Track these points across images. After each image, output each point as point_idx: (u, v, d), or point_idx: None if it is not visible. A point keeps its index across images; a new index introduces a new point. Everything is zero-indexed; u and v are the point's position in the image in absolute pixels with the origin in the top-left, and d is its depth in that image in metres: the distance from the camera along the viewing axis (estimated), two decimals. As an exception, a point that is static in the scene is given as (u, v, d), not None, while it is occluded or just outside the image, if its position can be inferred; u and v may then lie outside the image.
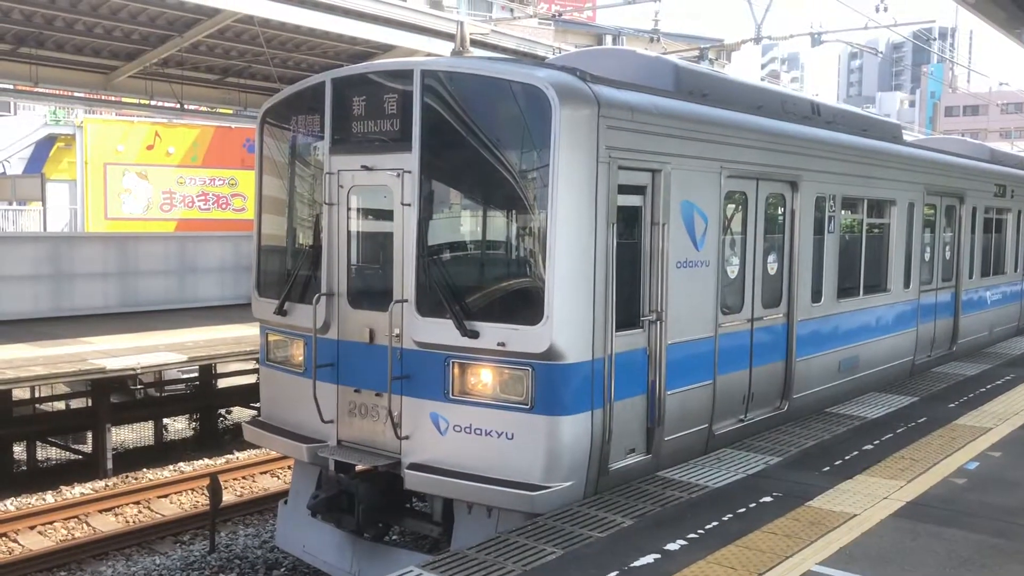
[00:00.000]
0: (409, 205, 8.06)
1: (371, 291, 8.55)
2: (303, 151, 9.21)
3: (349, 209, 8.71)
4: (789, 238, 10.70)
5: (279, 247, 9.64)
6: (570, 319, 7.60)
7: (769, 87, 13.23)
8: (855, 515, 7.42)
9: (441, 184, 8.19)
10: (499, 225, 8.12)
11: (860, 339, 12.53)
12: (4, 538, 11.72)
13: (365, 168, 8.43)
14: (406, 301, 8.12)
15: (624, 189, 8.18)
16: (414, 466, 8.10)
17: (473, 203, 8.15)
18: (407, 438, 8.25)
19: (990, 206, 17.37)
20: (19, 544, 11.57)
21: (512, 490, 7.52)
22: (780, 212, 10.70)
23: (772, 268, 10.55)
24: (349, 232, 8.74)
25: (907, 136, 18.44)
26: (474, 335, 7.75)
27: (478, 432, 7.89)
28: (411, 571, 6.35)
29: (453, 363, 7.96)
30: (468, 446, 7.94)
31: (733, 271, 9.85)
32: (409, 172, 8.05)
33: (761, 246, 10.22)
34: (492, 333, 7.73)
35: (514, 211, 7.99)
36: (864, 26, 29.46)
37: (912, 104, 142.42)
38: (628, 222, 8.47)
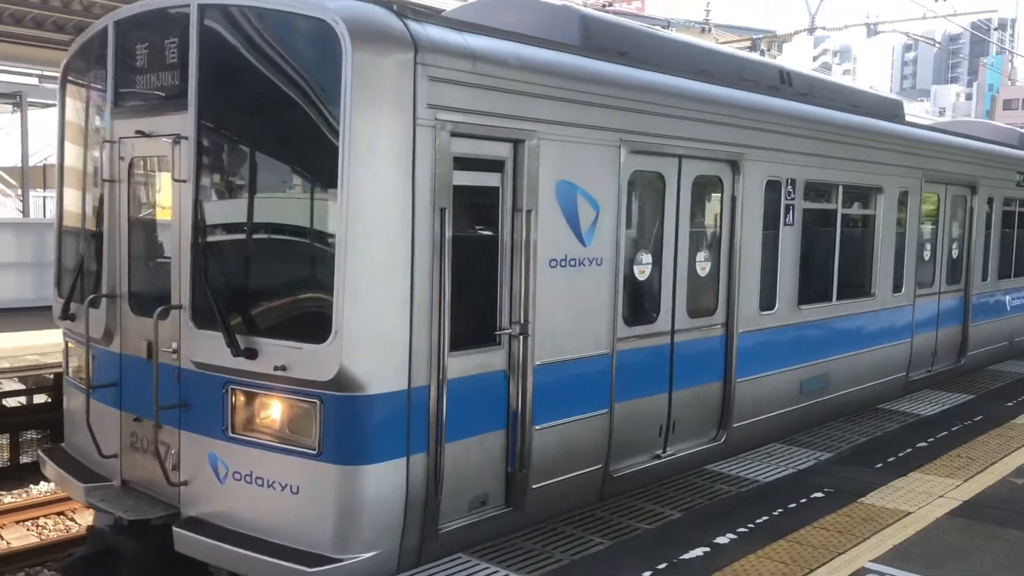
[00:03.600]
0: (184, 181, 6.20)
1: (154, 293, 6.69)
2: (97, 114, 7.37)
3: (130, 187, 6.86)
4: (728, 231, 8.65)
5: (78, 233, 7.81)
6: (370, 335, 5.67)
7: (720, 49, 11.06)
8: (909, 513, 7.28)
9: (220, 154, 6.29)
10: (285, 209, 6.20)
11: (831, 353, 10.41)
12: None
13: (140, 134, 6.57)
14: (180, 307, 6.27)
15: (466, 163, 6.23)
16: (189, 522, 6.25)
17: (255, 180, 6.25)
18: (185, 484, 6.39)
19: (1012, 197, 15.03)
20: None
21: (287, 563, 5.63)
22: (715, 199, 8.64)
23: (703, 269, 8.51)
24: (130, 217, 6.90)
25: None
26: (251, 354, 5.87)
27: (260, 482, 6.01)
28: None
29: (232, 390, 6.09)
30: (249, 500, 6.06)
31: (642, 272, 7.83)
32: (185, 138, 6.18)
33: (685, 241, 8.19)
34: (272, 352, 5.84)
35: (300, 191, 6.10)
36: (922, 16, 27.53)
37: (968, 97, 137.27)
38: (476, 208, 6.52)
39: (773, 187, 9.17)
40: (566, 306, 6.95)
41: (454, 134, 6.01)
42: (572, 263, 6.97)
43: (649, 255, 7.89)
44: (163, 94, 6.47)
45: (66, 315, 7.36)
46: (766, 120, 8.96)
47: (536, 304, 6.65)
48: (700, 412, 8.57)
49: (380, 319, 5.69)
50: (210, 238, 6.12)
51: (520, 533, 6.65)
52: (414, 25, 5.84)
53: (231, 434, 6.11)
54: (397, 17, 5.78)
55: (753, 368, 9.06)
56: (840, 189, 10.39)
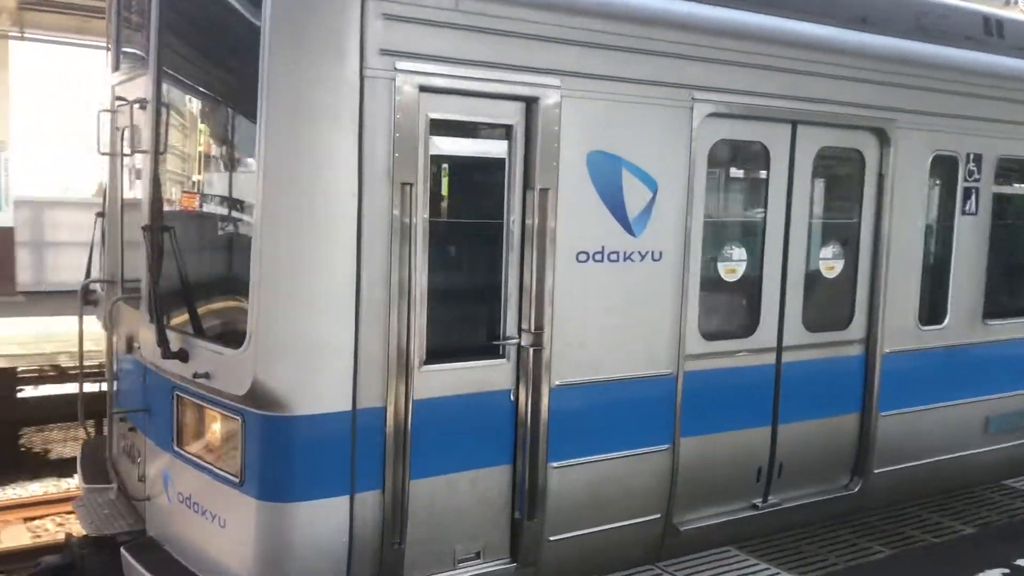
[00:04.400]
0: (146, 152, 5.36)
1: (138, 282, 5.95)
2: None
3: (122, 160, 6.16)
4: (872, 221, 6.64)
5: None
6: (294, 343, 4.53)
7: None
8: None
9: (173, 123, 5.34)
10: (219, 187, 5.16)
11: None
12: None
13: (120, 100, 5.84)
14: (137, 296, 5.47)
15: (453, 128, 4.92)
16: (142, 544, 5.43)
17: (198, 152, 5.25)
18: (148, 499, 5.60)
19: None
20: None
21: None
22: (850, 178, 6.66)
23: (830, 268, 6.59)
24: (122, 196, 6.20)
25: None
26: (182, 356, 4.93)
27: (195, 508, 5.06)
28: None
29: (177, 397, 5.19)
30: (188, 527, 5.15)
31: (732, 271, 6.10)
32: (148, 103, 5.34)
33: (802, 232, 6.33)
34: (198, 356, 4.87)
35: (228, 164, 5.02)
36: None
37: None
38: (471, 185, 5.20)
39: (944, 164, 7.00)
40: (603, 312, 5.43)
41: (428, 89, 4.71)
42: (613, 257, 5.43)
43: (743, 249, 6.14)
44: (142, 54, 5.69)
45: (87, 301, 6.85)
46: (934, 76, 6.80)
47: (555, 308, 5.21)
48: (822, 453, 6.67)
49: (310, 323, 4.53)
50: (165, 220, 5.22)
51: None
52: None
53: (176, 448, 5.22)
54: None
55: (907, 398, 6.98)
56: None
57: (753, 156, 6.18)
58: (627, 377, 5.57)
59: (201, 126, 5.21)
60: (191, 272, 4.99)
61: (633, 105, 5.39)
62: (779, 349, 6.32)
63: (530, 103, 5.05)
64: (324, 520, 4.63)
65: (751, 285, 6.21)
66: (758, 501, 6.38)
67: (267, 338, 4.46)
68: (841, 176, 6.67)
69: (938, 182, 7.04)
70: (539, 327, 5.17)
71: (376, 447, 4.72)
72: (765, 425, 6.34)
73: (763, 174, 6.16)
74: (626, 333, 5.54)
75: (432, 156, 4.83)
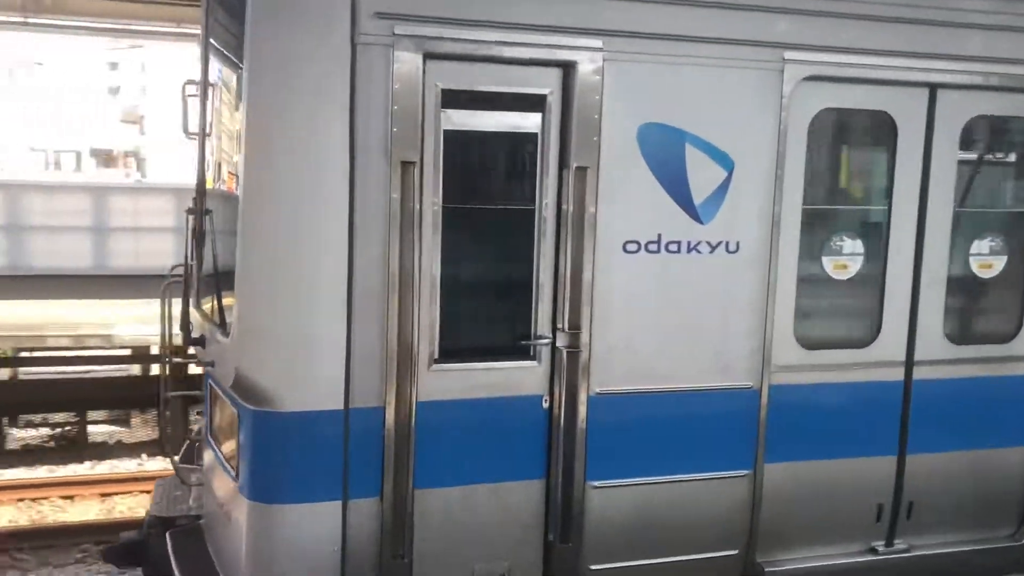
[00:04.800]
0: (194, 136, 5.27)
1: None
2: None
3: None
4: None
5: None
6: (281, 334, 4.22)
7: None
8: None
9: (221, 98, 5.15)
10: (229, 168, 4.89)
11: None
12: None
13: (191, 82, 5.81)
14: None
15: (473, 100, 4.38)
16: (185, 531, 5.40)
17: (233, 128, 5.01)
18: (199, 484, 5.58)
19: None
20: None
21: None
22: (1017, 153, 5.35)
23: (985, 267, 5.34)
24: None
25: None
26: (200, 343, 4.81)
27: (218, 501, 4.93)
28: None
29: (208, 385, 5.07)
30: (215, 520, 5.03)
31: (842, 268, 5.07)
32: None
33: (945, 221, 5.14)
34: (212, 343, 4.74)
35: (235, 144, 4.72)
36: None
37: None
38: (497, 164, 4.63)
39: None
40: (660, 311, 4.67)
41: (437, 56, 4.21)
42: (673, 247, 4.64)
43: (858, 241, 5.08)
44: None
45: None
46: None
47: (596, 305, 4.53)
48: (976, 492, 5.44)
49: (295, 314, 4.20)
50: (208, 204, 5.10)
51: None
52: None
53: (208, 437, 5.12)
54: None
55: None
56: None
57: (873, 129, 5.09)
58: (690, 388, 4.76)
59: (234, 105, 5.03)
60: (220, 257, 4.82)
61: (701, 68, 4.57)
62: (909, 363, 5.19)
63: (567, 69, 4.40)
64: (314, 526, 4.29)
65: (870, 285, 5.14)
66: (879, 545, 5.29)
67: (249, 327, 4.19)
68: (1003, 151, 5.38)
69: None
70: (575, 326, 4.52)
71: (373, 451, 4.31)
72: (888, 454, 5.24)
73: (885, 151, 5.05)
74: (690, 336, 4.73)
75: (447, 132, 4.32)
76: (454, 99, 4.32)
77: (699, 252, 4.67)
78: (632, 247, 4.57)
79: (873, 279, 5.12)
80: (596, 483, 4.65)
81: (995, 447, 5.43)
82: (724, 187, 4.67)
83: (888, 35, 4.82)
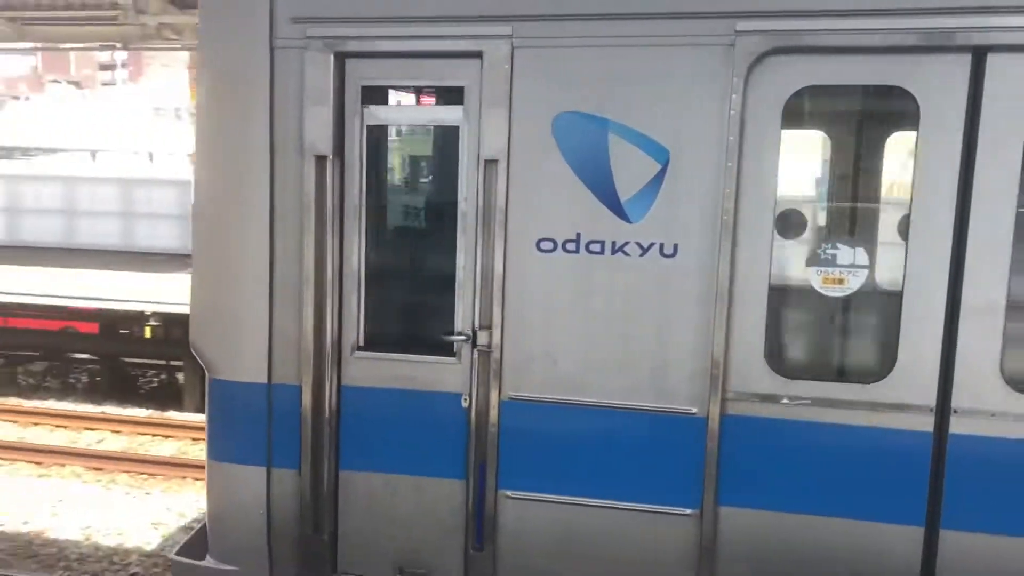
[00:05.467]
0: None
1: None
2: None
3: None
4: None
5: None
6: (216, 311, 4.73)
7: None
8: None
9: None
10: None
11: None
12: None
13: None
14: None
15: (389, 95, 4.47)
16: None
17: None
18: None
19: None
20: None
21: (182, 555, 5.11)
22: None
23: None
24: None
25: None
26: None
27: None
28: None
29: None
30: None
31: (837, 281, 4.08)
32: None
33: (1001, 228, 3.87)
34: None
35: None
36: None
37: None
38: (419, 158, 4.58)
39: None
40: (582, 318, 4.26)
41: (354, 55, 4.39)
42: (595, 248, 4.20)
43: (857, 250, 4.06)
44: None
45: None
46: None
47: (508, 305, 4.32)
48: None
49: (227, 295, 4.67)
50: None
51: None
52: None
53: None
54: None
55: None
56: None
57: (883, 109, 4.02)
58: (619, 406, 4.26)
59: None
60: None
61: (627, 49, 4.08)
62: (941, 411, 4.01)
63: (481, 58, 4.26)
64: (244, 487, 4.74)
65: (879, 305, 4.07)
66: None
67: (197, 304, 4.76)
68: None
69: None
70: (486, 326, 4.35)
71: (292, 426, 4.63)
72: (912, 524, 4.10)
73: (903, 136, 3.95)
74: (618, 348, 4.24)
75: (369, 127, 4.46)
76: (375, 95, 4.44)
77: (627, 255, 4.17)
78: (547, 246, 4.25)
79: (883, 298, 4.06)
80: (509, 492, 4.42)
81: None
82: (657, 182, 4.11)
83: None
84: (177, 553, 4.97)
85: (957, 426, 3.99)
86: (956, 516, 4.04)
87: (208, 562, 4.87)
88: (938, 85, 3.85)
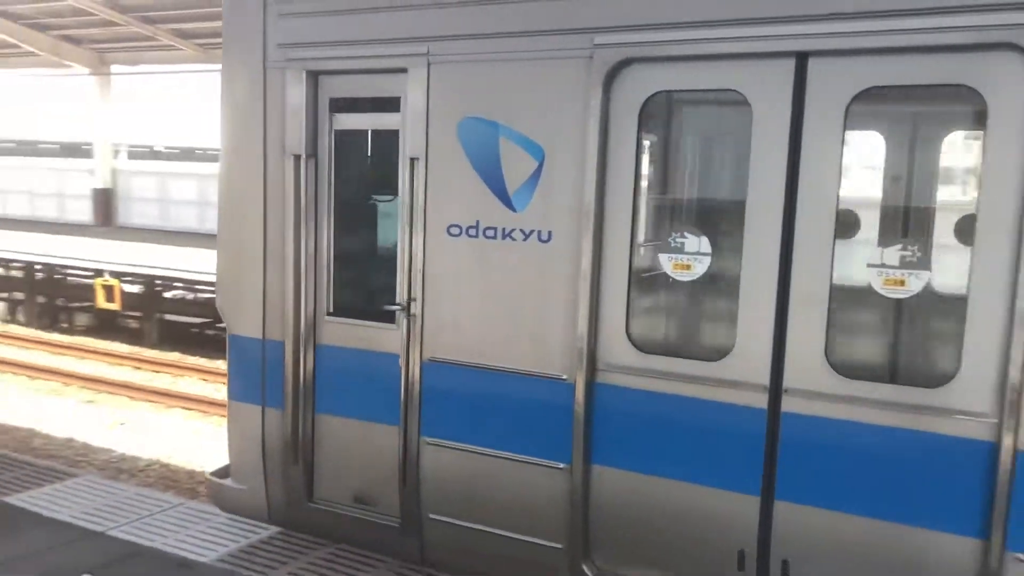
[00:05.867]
0: None
1: None
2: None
3: None
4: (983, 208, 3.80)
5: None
6: (229, 280, 5.92)
7: None
8: None
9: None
10: None
11: None
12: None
13: None
14: None
15: (353, 105, 5.44)
16: None
17: None
18: None
19: None
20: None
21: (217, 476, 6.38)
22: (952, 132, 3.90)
23: (899, 283, 4.07)
24: None
25: None
26: None
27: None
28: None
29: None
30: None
31: (684, 267, 4.49)
32: None
33: (824, 218, 4.14)
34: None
35: None
36: None
37: None
38: (374, 157, 5.48)
39: None
40: (480, 293, 4.99)
41: (325, 72, 5.41)
42: (490, 233, 4.91)
43: (702, 239, 4.44)
44: None
45: None
46: None
47: (427, 280, 5.14)
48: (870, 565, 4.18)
49: (234, 266, 5.84)
50: None
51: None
52: None
53: None
54: None
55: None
56: None
57: (716, 111, 4.37)
58: (508, 369, 4.94)
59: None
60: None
61: (510, 63, 4.76)
62: (775, 390, 4.32)
63: (408, 73, 5.12)
64: (247, 421, 5.90)
65: (720, 290, 4.43)
66: None
67: (218, 275, 5.97)
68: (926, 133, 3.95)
69: None
70: (412, 298, 5.20)
71: (277, 374, 5.72)
72: (750, 494, 4.44)
73: (738, 136, 4.30)
74: (509, 320, 4.92)
75: (336, 131, 5.46)
76: (342, 105, 5.43)
77: (513, 239, 4.85)
78: (455, 231, 5.02)
79: (726, 283, 4.41)
80: (428, 439, 5.23)
81: (887, 520, 4.09)
82: (535, 177, 4.75)
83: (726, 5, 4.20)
84: (211, 474, 6.25)
85: (788, 404, 4.29)
86: (789, 488, 4.33)
87: (227, 482, 6.09)
88: (766, 87, 4.19)
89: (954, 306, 3.99)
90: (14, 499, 5.84)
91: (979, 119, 3.80)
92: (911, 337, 4.40)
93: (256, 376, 5.84)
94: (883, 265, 4.08)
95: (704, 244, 4.48)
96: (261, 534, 5.61)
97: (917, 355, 4.45)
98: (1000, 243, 3.74)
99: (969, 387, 3.89)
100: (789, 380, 4.28)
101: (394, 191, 5.34)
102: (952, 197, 5.11)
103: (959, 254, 4.12)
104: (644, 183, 4.68)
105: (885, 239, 4.73)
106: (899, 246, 4.06)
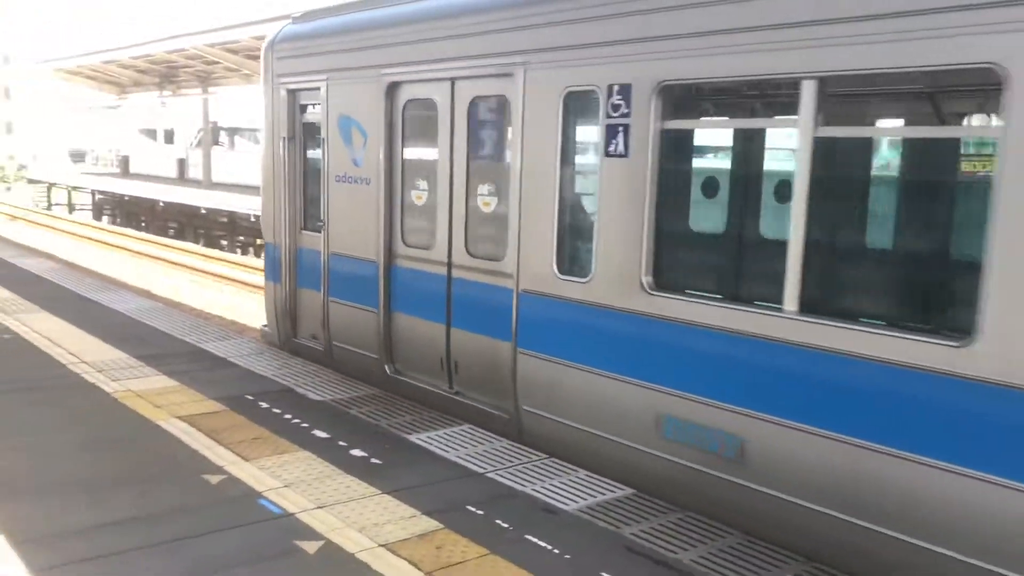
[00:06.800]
0: None
1: None
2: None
3: None
4: (519, 165, 7.00)
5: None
6: (265, 212, 10.33)
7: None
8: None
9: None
10: None
11: None
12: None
13: None
14: None
15: (309, 109, 9.61)
16: None
17: None
18: None
19: None
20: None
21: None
22: (498, 121, 7.11)
23: (487, 204, 7.36)
24: None
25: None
26: None
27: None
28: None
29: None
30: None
31: (420, 198, 8.04)
32: None
33: (465, 170, 7.56)
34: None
35: None
36: None
37: None
38: (317, 138, 9.56)
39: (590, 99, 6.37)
40: (349, 214, 8.91)
41: (296, 90, 9.62)
42: (349, 180, 8.81)
43: (426, 181, 7.96)
44: None
45: None
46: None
47: (329, 208, 9.17)
48: (489, 372, 7.48)
49: (268, 203, 10.23)
50: None
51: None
52: (283, 28, 9.77)
53: None
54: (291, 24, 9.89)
55: (551, 345, 6.82)
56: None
57: (430, 109, 7.82)
58: (358, 256, 8.80)
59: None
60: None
61: (355, 84, 8.60)
62: (449, 264, 7.78)
63: (321, 90, 9.16)
64: (272, 295, 10.30)
65: (432, 213, 7.93)
66: (445, 387, 7.99)
67: (262, 208, 10.39)
68: (494, 120, 7.18)
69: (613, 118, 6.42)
70: (323, 219, 9.25)
71: (278, 264, 10.04)
72: (441, 322, 7.91)
73: (434, 123, 7.80)
74: (359, 229, 8.77)
75: (304, 123, 9.65)
76: (306, 108, 9.58)
77: (357, 183, 8.70)
78: (339, 179, 8.97)
79: (432, 207, 7.92)
80: (332, 298, 9.24)
81: (486, 335, 7.38)
82: (364, 147, 8.56)
83: (424, 53, 7.74)
84: (263, 326, 10.78)
85: (455, 272, 7.74)
86: (457, 320, 7.76)
87: (265, 328, 10.58)
88: (449, 101, 7.62)
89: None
90: (414, 438, 6.89)
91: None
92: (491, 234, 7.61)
93: (276, 265, 10.21)
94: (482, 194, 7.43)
95: (426, 184, 8.02)
96: (616, 493, 5.93)
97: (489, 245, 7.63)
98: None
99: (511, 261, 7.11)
100: (454, 259, 7.73)
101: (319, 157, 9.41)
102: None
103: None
104: (407, 152, 8.30)
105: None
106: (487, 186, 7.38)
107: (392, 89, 8.19)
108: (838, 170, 6.39)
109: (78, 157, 65.56)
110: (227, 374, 8.56)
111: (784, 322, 5.19)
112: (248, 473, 5.99)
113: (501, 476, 6.18)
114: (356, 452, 6.52)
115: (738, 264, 7.76)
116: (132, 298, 12.69)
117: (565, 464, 6.45)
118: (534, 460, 6.51)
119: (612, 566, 4.88)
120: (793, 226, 5.16)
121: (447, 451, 6.62)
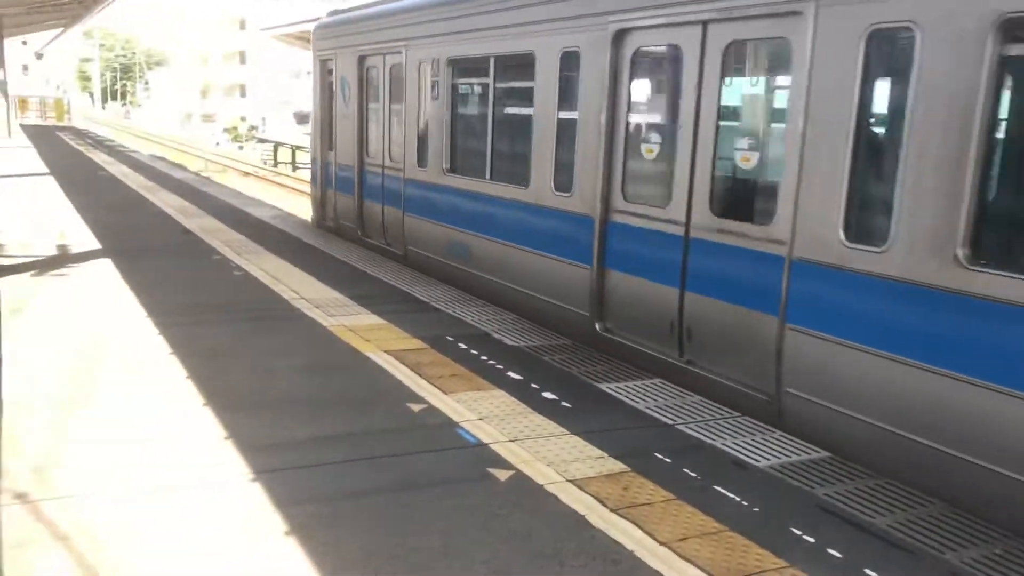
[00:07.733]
0: None
1: None
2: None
3: None
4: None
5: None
6: (313, 144, 13.03)
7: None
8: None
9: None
10: None
11: None
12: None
13: None
14: None
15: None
16: None
17: None
18: None
19: None
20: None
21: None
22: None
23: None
24: None
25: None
26: None
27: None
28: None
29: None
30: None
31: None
32: None
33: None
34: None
35: None
36: None
37: None
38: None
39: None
40: (344, 139, 12.76)
41: (326, 60, 11.30)
42: (343, 115, 12.64)
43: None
44: None
45: None
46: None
47: (336, 135, 13.11)
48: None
49: (314, 141, 12.37)
50: None
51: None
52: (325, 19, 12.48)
53: None
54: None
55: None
56: None
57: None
58: (348, 165, 12.06)
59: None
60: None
61: (345, 55, 10.80)
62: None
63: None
64: (318, 192, 13.30)
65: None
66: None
67: (311, 140, 12.10)
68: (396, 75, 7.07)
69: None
70: (335, 143, 11.78)
71: (352, 182, 11.30)
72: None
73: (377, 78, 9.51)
74: (347, 149, 12.69)
75: (329, 83, 11.21)
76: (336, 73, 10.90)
77: (346, 117, 11.31)
78: (343, 114, 10.35)
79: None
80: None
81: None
82: (348, 93, 10.41)
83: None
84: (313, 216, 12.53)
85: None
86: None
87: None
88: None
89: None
90: (604, 387, 6.94)
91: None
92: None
93: (351, 180, 12.38)
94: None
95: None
96: (812, 455, 5.71)
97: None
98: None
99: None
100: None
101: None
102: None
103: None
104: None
105: None
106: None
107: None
108: None
109: (303, 119, 70.53)
110: (430, 318, 9.01)
111: None
112: (447, 404, 6.34)
113: (691, 429, 6.18)
114: (548, 395, 6.72)
115: None
116: (346, 248, 13.58)
117: (758, 423, 6.34)
118: (727, 416, 6.46)
119: (801, 522, 4.80)
120: None
121: (637, 401, 6.69)
